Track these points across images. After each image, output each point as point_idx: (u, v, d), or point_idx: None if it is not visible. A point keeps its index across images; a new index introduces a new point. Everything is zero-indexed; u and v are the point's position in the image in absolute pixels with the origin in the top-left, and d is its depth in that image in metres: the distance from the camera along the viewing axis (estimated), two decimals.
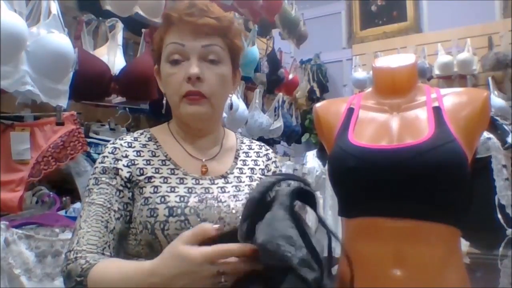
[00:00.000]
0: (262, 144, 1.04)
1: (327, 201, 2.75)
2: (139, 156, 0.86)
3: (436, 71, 3.38)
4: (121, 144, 0.87)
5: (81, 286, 0.71)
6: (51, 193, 1.39)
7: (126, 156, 0.85)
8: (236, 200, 0.85)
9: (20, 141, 1.30)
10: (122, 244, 0.83)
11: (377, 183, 0.91)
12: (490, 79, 3.20)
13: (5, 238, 1.18)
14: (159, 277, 0.64)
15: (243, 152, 0.97)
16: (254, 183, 0.91)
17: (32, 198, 1.38)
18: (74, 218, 1.41)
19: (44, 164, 1.33)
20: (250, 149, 0.99)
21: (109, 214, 0.80)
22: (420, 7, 3.80)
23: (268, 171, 0.97)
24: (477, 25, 3.38)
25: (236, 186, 0.88)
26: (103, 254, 0.77)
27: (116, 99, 1.74)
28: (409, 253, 0.89)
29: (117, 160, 0.84)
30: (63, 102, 1.36)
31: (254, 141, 1.03)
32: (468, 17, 3.43)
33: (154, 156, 0.87)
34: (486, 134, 1.04)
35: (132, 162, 0.84)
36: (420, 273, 0.89)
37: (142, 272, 0.66)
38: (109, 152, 0.85)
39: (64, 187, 1.53)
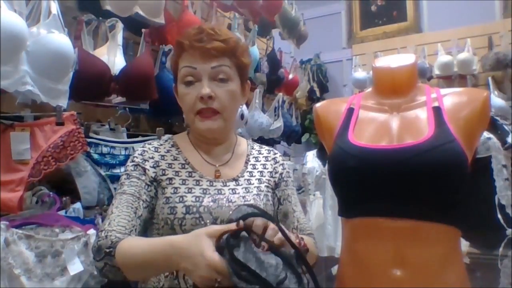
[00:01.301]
0: (271, 149, 1.13)
1: (327, 201, 2.75)
2: (163, 159, 0.98)
3: (436, 71, 3.37)
4: (149, 148, 1.00)
5: (109, 256, 0.82)
6: (51, 193, 1.39)
7: (152, 158, 0.98)
8: (245, 201, 0.96)
9: (20, 141, 1.30)
10: (144, 232, 0.94)
11: (377, 183, 0.91)
12: (490, 79, 3.19)
13: (5, 238, 1.18)
14: (175, 249, 0.73)
15: (253, 157, 1.07)
16: (263, 185, 1.02)
17: (32, 198, 1.38)
18: (74, 218, 1.41)
19: (44, 164, 1.33)
20: (260, 154, 1.09)
21: (138, 203, 0.91)
22: (420, 7, 3.80)
23: (276, 173, 1.07)
24: (477, 25, 3.38)
25: (245, 188, 0.99)
26: (129, 235, 0.87)
27: (116, 99, 1.74)
28: (409, 253, 0.89)
29: (145, 160, 0.97)
30: (63, 102, 1.36)
31: (263, 146, 1.14)
32: (468, 17, 3.43)
33: (175, 160, 0.99)
34: (486, 134, 1.04)
35: (157, 164, 0.97)
36: (420, 273, 0.89)
37: (164, 241, 0.77)
38: (138, 154, 0.99)
39: (64, 187, 1.53)
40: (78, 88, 1.42)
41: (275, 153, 1.12)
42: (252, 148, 1.10)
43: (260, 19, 2.72)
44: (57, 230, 1.32)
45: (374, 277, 0.92)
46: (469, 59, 3.23)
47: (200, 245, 0.69)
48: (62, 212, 1.42)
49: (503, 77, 3.20)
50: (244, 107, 2.35)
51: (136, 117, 2.03)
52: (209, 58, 0.93)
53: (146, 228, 0.95)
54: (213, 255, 0.67)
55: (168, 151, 1.00)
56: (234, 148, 1.06)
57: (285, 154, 3.36)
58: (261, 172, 1.05)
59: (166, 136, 1.07)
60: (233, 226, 0.70)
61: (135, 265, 0.80)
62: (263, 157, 1.09)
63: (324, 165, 2.71)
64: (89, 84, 1.49)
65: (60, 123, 1.38)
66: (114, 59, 1.67)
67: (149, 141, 1.04)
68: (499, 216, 1.00)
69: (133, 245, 0.81)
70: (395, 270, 0.90)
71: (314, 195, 2.75)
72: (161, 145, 1.02)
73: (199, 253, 0.68)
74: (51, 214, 1.35)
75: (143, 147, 1.01)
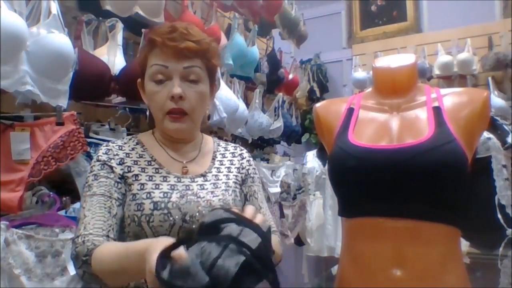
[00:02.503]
0: (237, 145, 1.14)
1: (327, 201, 2.75)
2: (128, 157, 0.97)
3: (436, 71, 3.37)
4: (113, 147, 0.98)
5: (86, 264, 0.80)
6: (51, 193, 1.39)
7: (117, 155, 0.96)
8: (213, 196, 0.95)
9: (20, 141, 1.30)
10: (122, 230, 0.91)
11: (377, 183, 0.91)
12: (490, 79, 3.19)
13: (5, 238, 1.18)
14: (140, 251, 0.67)
15: (220, 154, 1.07)
16: (231, 181, 1.02)
17: (32, 198, 1.38)
18: (74, 218, 1.40)
19: (44, 164, 1.33)
20: (226, 150, 1.09)
21: (111, 202, 0.89)
22: (420, 7, 3.79)
23: (243, 168, 1.07)
24: (477, 25, 3.38)
25: (214, 184, 0.99)
26: (108, 236, 0.85)
27: (116, 99, 1.74)
28: (409, 253, 0.89)
29: (111, 159, 0.95)
30: (63, 102, 1.36)
31: (229, 143, 1.14)
32: (468, 17, 3.42)
33: (141, 157, 0.98)
34: (486, 134, 1.04)
35: (122, 161, 0.95)
36: (420, 273, 0.89)
37: (135, 245, 0.73)
38: (103, 153, 0.96)
39: (64, 187, 1.53)
40: (78, 88, 1.42)
41: (241, 149, 1.12)
42: (219, 145, 1.10)
43: (260, 19, 2.72)
44: (57, 230, 1.32)
45: (374, 277, 0.92)
46: (469, 59, 3.23)
47: (153, 250, 0.63)
48: (62, 212, 1.42)
49: (503, 77, 3.20)
50: (242, 105, 2.35)
51: (136, 117, 2.03)
52: (181, 58, 0.92)
53: (123, 226, 0.92)
54: (152, 260, 0.60)
55: (132, 149, 0.99)
56: (201, 146, 1.05)
57: (285, 154, 3.35)
58: (228, 168, 1.04)
59: (130, 136, 1.05)
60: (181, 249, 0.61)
61: (111, 272, 0.78)
62: (229, 153, 1.09)
63: (324, 165, 2.71)
64: (89, 84, 1.49)
65: (60, 123, 1.38)
66: (114, 59, 1.67)
67: (112, 140, 1.03)
68: (499, 216, 1.00)
69: (108, 252, 0.79)
70: (395, 270, 0.90)
71: (314, 195, 2.76)
72: (125, 143, 1.00)
73: (149, 255, 0.63)
74: (51, 214, 1.35)
75: (106, 146, 0.98)
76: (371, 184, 0.92)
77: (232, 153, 1.09)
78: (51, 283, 1.24)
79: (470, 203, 0.96)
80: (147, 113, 1.01)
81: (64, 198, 1.45)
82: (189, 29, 0.94)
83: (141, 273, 0.68)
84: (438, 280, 0.89)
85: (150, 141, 1.02)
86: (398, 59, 1.06)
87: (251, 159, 1.12)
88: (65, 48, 1.31)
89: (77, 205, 1.50)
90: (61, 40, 1.31)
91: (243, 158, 1.09)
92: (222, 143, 1.12)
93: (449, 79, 3.35)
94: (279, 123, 2.85)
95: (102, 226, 0.85)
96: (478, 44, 3.31)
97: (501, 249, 1.05)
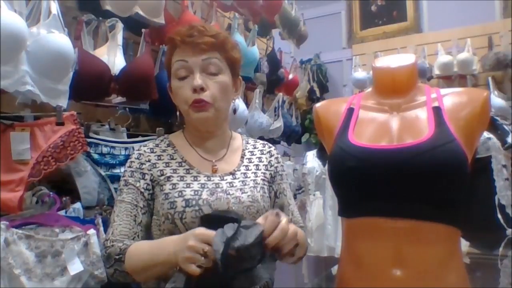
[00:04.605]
0: (266, 142, 1.16)
1: (327, 201, 2.75)
2: (160, 159, 1.02)
3: (436, 71, 3.37)
4: (144, 151, 1.03)
5: (119, 262, 0.90)
6: (51, 193, 1.39)
7: (149, 161, 1.01)
8: (242, 193, 0.99)
9: (20, 141, 1.30)
10: (149, 235, 1.00)
11: (377, 183, 0.91)
12: (490, 79, 3.19)
13: (5, 238, 1.18)
14: (172, 241, 0.85)
15: (249, 151, 1.10)
16: (259, 178, 1.05)
17: (32, 198, 1.38)
18: (74, 218, 1.41)
19: (44, 164, 1.33)
20: (255, 148, 1.12)
21: (136, 210, 0.97)
22: (420, 7, 3.79)
23: (271, 166, 1.10)
24: (477, 25, 3.38)
25: (242, 181, 1.02)
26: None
27: (116, 99, 1.74)
28: (409, 253, 0.89)
29: (142, 164, 1.01)
30: (63, 102, 1.36)
31: (258, 140, 1.17)
32: (468, 17, 3.42)
33: (172, 159, 1.03)
34: (486, 134, 1.04)
35: (154, 165, 1.01)
36: (420, 273, 0.89)
37: (165, 239, 0.89)
38: (135, 158, 1.03)
39: (64, 187, 1.53)
40: (78, 88, 1.42)
41: (270, 147, 1.14)
42: (247, 143, 1.13)
43: (260, 19, 2.71)
44: (57, 230, 1.31)
45: (374, 277, 0.92)
46: (469, 59, 3.23)
47: (192, 231, 0.80)
48: (62, 212, 1.42)
49: (503, 77, 3.19)
50: (242, 105, 2.35)
51: (136, 117, 2.03)
52: (199, 52, 0.97)
53: (149, 232, 1.00)
54: (202, 229, 0.78)
55: (164, 151, 1.04)
56: (229, 143, 1.09)
57: (285, 154, 3.35)
58: (256, 165, 1.08)
59: (162, 136, 1.10)
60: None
61: (142, 267, 0.88)
62: (258, 150, 1.12)
63: (324, 165, 2.71)
64: (89, 84, 1.49)
65: (60, 123, 1.37)
66: (114, 59, 1.66)
67: (144, 143, 1.08)
68: (499, 216, 1.00)
69: (139, 249, 0.90)
70: (395, 270, 0.90)
71: (314, 195, 2.75)
72: (156, 145, 1.05)
73: (189, 233, 0.80)
74: (51, 214, 1.35)
75: (138, 150, 1.04)
76: (371, 184, 0.92)
77: (261, 150, 1.12)
78: (51, 283, 1.24)
79: (470, 203, 0.96)
80: (177, 113, 1.05)
81: (64, 198, 1.45)
82: (206, 27, 1.00)
83: (168, 262, 0.83)
84: (438, 280, 0.89)
85: (180, 141, 1.07)
86: (398, 59, 1.06)
87: (279, 156, 1.16)
88: (65, 48, 1.31)
89: (77, 205, 1.50)
90: (61, 40, 1.31)
91: (271, 156, 1.12)
92: (251, 141, 1.15)
93: (449, 79, 3.35)
94: (279, 123, 2.85)
95: (128, 233, 0.94)
96: (478, 44, 3.31)
97: (501, 249, 1.05)
